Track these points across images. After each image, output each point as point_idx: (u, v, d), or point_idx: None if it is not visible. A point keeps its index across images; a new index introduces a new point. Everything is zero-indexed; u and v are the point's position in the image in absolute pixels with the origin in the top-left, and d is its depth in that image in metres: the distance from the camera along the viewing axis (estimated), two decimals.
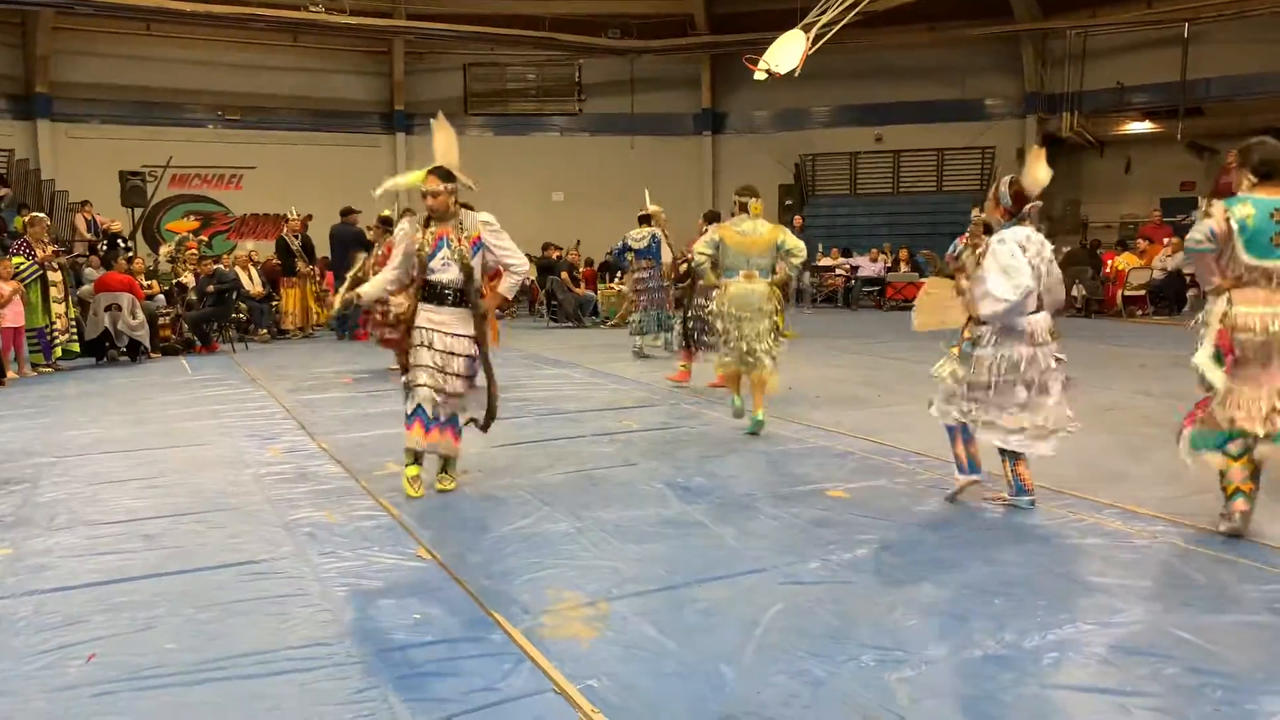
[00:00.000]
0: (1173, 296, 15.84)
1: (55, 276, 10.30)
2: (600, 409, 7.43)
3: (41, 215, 10.94)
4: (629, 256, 10.34)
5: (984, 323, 4.45)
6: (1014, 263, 4.30)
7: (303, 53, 19.45)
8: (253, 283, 13.29)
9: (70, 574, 3.77)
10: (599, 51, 20.31)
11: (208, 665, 2.93)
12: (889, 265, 17.85)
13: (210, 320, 12.39)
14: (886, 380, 8.42)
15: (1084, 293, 16.17)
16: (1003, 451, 4.52)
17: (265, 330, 13.49)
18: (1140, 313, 15.40)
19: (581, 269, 17.03)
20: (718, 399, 7.50)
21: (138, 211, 16.65)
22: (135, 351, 10.99)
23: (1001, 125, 19.74)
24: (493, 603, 3.38)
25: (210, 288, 12.39)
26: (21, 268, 9.78)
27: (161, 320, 11.87)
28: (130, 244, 14.76)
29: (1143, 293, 15.56)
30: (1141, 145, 19.94)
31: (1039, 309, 4.45)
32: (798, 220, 17.22)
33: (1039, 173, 4.56)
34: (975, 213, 12.23)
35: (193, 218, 18.72)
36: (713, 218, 8.22)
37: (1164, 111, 18.29)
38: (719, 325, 6.30)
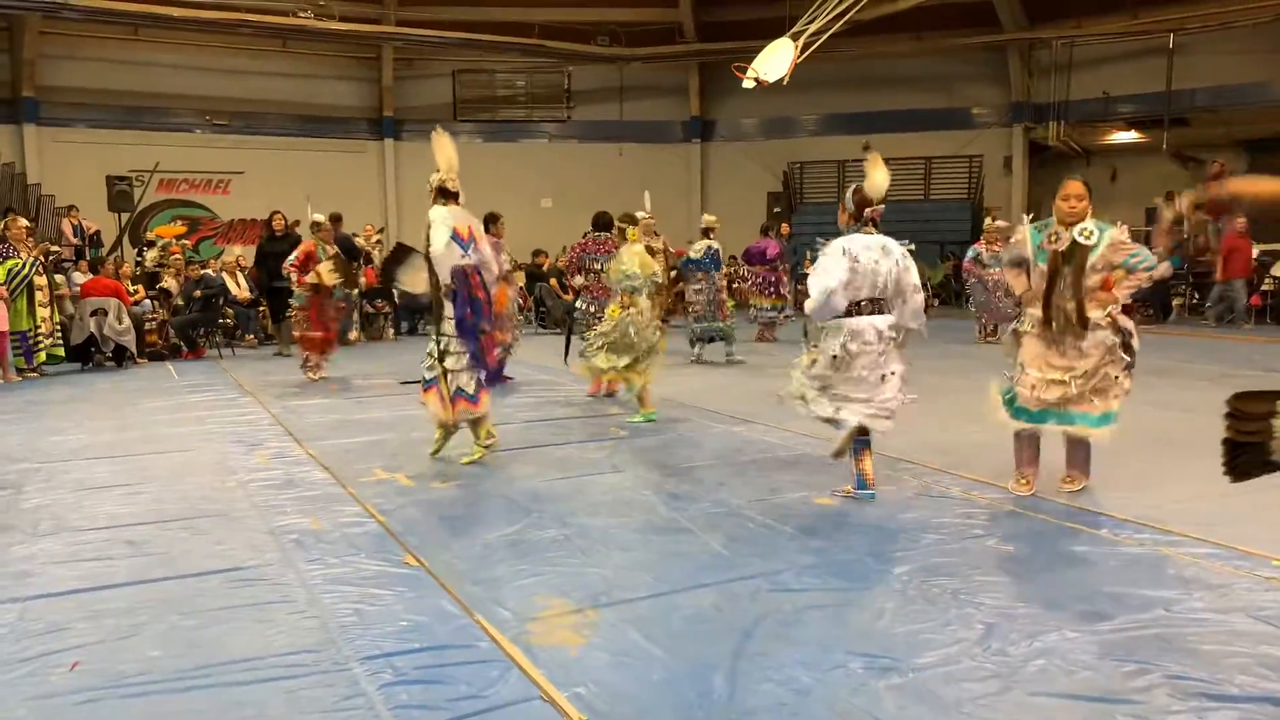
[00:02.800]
0: (1158, 305, 15.96)
1: (41, 280, 10.24)
2: (588, 416, 7.42)
3: (19, 218, 10.83)
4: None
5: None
6: (828, 264, 4.65)
7: (292, 58, 19.42)
8: (240, 288, 13.23)
9: (54, 581, 3.74)
10: (588, 59, 20.35)
11: (192, 673, 2.91)
12: None
13: (197, 326, 12.34)
14: None
15: None
16: (856, 449, 4.83)
17: (253, 336, 13.44)
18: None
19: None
20: (705, 408, 7.51)
21: (124, 216, 16.58)
22: (121, 357, 10.94)
23: (988, 134, 19.88)
24: (480, 610, 3.37)
25: (197, 293, 12.35)
26: (15, 269, 9.72)
27: (148, 325, 11.82)
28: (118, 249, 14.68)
29: (1129, 301, 15.65)
30: (1127, 155, 20.11)
31: (879, 311, 4.70)
32: (785, 228, 17.27)
33: (878, 178, 4.74)
34: (988, 221, 12.27)
35: (180, 222, 18.64)
36: (606, 224, 8.65)
37: (1149, 121, 18.46)
38: (631, 337, 6.81)
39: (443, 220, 5.52)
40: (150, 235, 14.78)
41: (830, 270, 4.61)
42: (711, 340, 10.93)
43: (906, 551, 4.07)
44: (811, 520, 4.50)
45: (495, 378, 5.71)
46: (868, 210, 4.74)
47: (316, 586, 3.64)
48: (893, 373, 4.73)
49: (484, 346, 5.50)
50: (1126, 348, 4.69)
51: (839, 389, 4.74)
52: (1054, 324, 4.66)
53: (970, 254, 12.29)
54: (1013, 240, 4.96)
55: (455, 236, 5.48)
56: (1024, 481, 4.86)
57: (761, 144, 21.25)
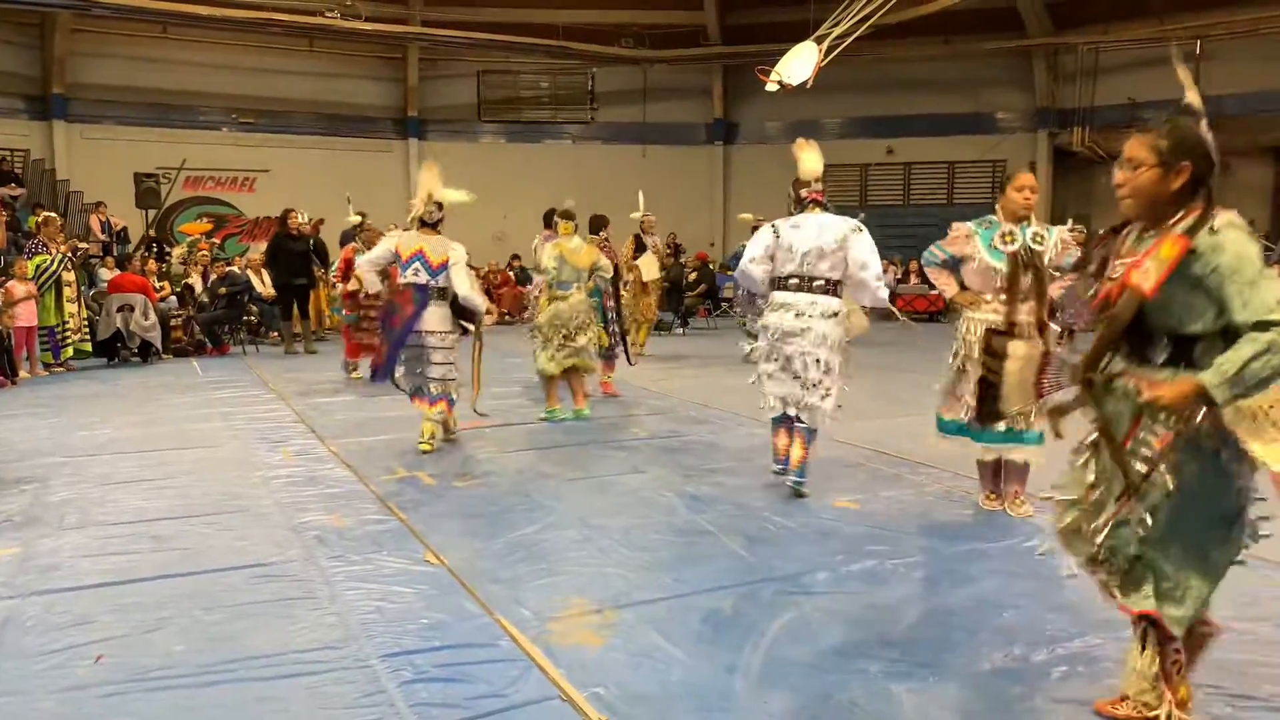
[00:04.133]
0: None
1: (69, 276, 10.37)
2: (609, 416, 7.43)
3: (54, 215, 11.02)
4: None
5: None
6: (754, 239, 5.06)
7: (318, 58, 19.54)
8: (264, 285, 13.33)
9: (79, 574, 3.78)
10: (612, 60, 20.36)
11: (215, 667, 2.94)
12: (899, 277, 17.82)
13: (222, 322, 12.45)
14: (895, 391, 8.40)
15: None
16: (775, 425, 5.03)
17: (277, 333, 13.53)
18: None
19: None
20: (727, 410, 7.50)
21: (151, 213, 16.75)
22: (146, 353, 11.05)
23: (1013, 139, 19.73)
24: (500, 609, 3.39)
25: (222, 290, 12.45)
26: (43, 265, 9.86)
27: (173, 322, 11.94)
28: (153, 246, 14.80)
29: None
30: None
31: (808, 289, 4.78)
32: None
33: (808, 161, 5.16)
34: (1069, 224, 12.16)
35: (206, 220, 18.81)
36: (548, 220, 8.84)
37: None
38: (556, 332, 6.98)
39: (385, 242, 6.26)
40: (175, 250, 14.80)
41: (753, 243, 5.03)
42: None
43: (927, 555, 4.05)
44: (831, 523, 4.49)
45: (381, 376, 6.15)
46: (804, 192, 5.06)
47: (338, 583, 3.67)
48: (819, 360, 4.73)
49: (379, 350, 6.23)
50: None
51: (768, 369, 4.90)
52: (1016, 331, 4.32)
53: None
54: (950, 237, 4.62)
55: (395, 256, 6.04)
56: (992, 496, 4.72)
57: (784, 147, 20.75)
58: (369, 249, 8.52)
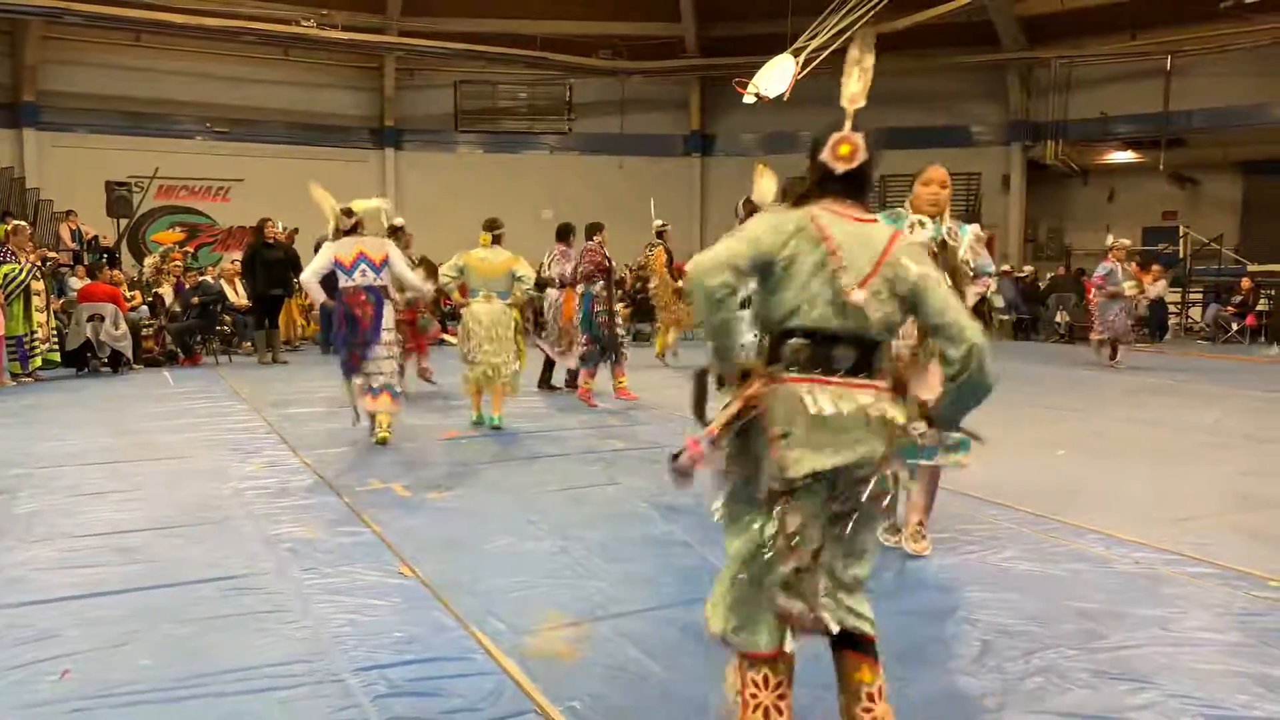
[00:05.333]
0: (1155, 324, 16.01)
1: (38, 285, 10.23)
2: (586, 428, 7.41)
3: (23, 224, 10.87)
4: None
5: None
6: None
7: (293, 67, 19.44)
8: (238, 295, 13.21)
9: (46, 587, 3.71)
10: (589, 72, 20.40)
11: (185, 682, 2.89)
12: None
13: (194, 332, 12.32)
14: None
15: (1068, 319, 16.33)
16: None
17: (250, 343, 13.41)
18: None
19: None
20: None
21: (123, 222, 16.57)
22: (117, 363, 10.91)
23: (987, 152, 19.94)
24: (475, 622, 3.36)
25: (195, 299, 12.33)
26: (12, 274, 9.72)
27: (144, 331, 11.80)
28: (103, 255, 14.66)
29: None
30: (1124, 175, 20.18)
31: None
32: None
33: (764, 186, 5.44)
34: (1110, 239, 12.26)
35: (179, 229, 18.63)
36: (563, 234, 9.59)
37: (1146, 142, 18.54)
38: (467, 343, 7.18)
39: (323, 253, 6.57)
40: (147, 259, 14.67)
41: None
42: None
43: (900, 565, 4.06)
44: None
45: (349, 373, 6.51)
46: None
47: (311, 596, 3.62)
48: None
49: (352, 356, 6.43)
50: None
51: None
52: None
53: (1103, 270, 11.91)
54: None
55: (338, 265, 6.45)
56: (887, 529, 4.15)
57: (761, 159, 21.28)
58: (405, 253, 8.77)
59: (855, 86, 2.41)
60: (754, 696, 2.34)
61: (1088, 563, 4.09)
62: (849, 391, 2.22)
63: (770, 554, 2.27)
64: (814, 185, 2.36)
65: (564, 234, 9.58)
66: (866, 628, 2.36)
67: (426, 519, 4.76)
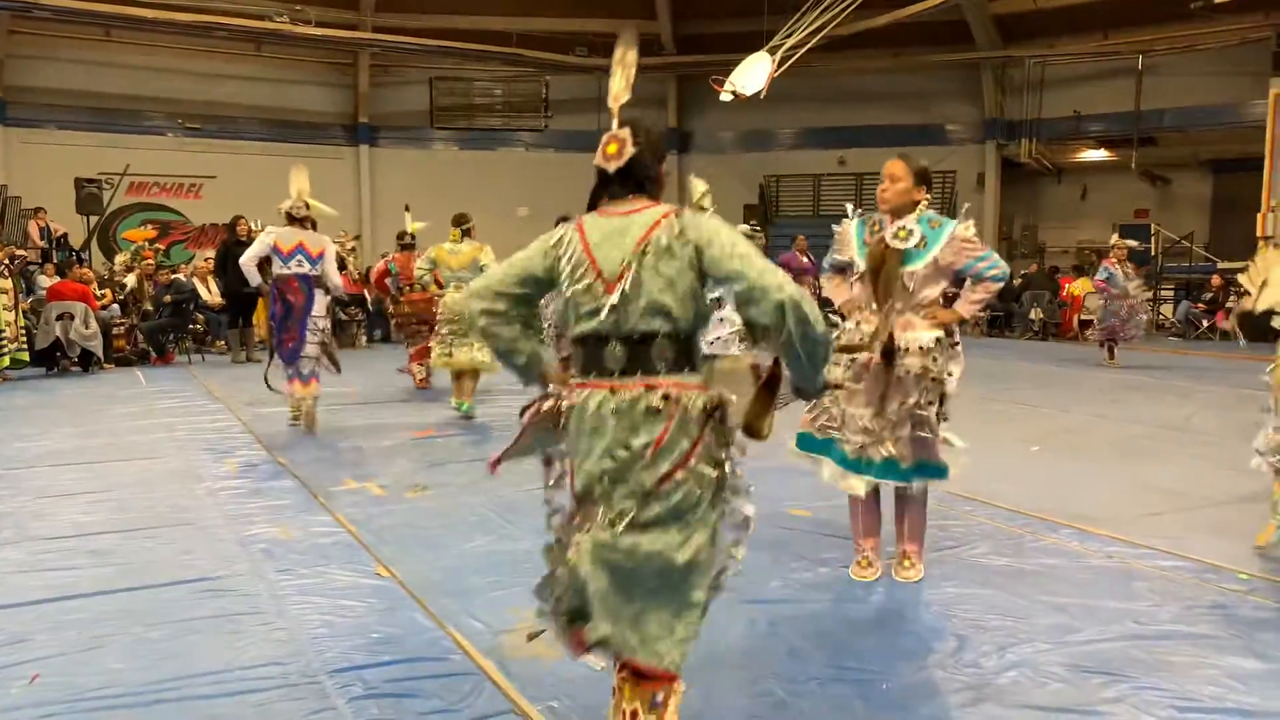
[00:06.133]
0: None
1: (6, 284, 10.07)
2: None
3: None
4: None
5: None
6: None
7: (266, 63, 19.26)
8: (211, 293, 13.07)
9: (14, 591, 3.65)
10: (565, 69, 20.35)
11: (158, 686, 2.86)
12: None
13: (166, 331, 12.18)
14: None
15: (1042, 316, 16.47)
16: None
17: (224, 342, 13.28)
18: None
19: None
20: None
21: (93, 219, 16.35)
22: (87, 362, 10.77)
23: (962, 150, 20.08)
24: (452, 622, 3.34)
25: (167, 298, 12.19)
26: None
27: (116, 330, 11.65)
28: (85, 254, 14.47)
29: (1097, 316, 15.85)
30: (1097, 173, 20.39)
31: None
32: (802, 241, 17.38)
33: (696, 188, 5.80)
34: (1114, 237, 12.30)
35: (150, 226, 18.40)
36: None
37: (1118, 140, 18.72)
38: (443, 326, 7.61)
39: (263, 238, 7.13)
40: (119, 256, 14.52)
41: None
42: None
43: (881, 563, 4.08)
44: (785, 531, 4.51)
45: (290, 360, 6.96)
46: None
47: (286, 597, 3.59)
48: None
49: (282, 340, 6.91)
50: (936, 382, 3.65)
51: None
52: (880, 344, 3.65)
53: (1103, 273, 11.85)
54: (836, 237, 4.08)
55: (276, 251, 6.94)
56: (863, 561, 3.87)
57: (738, 157, 21.33)
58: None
59: (618, 84, 2.39)
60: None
61: (1062, 558, 4.13)
62: (625, 393, 2.16)
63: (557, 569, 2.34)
64: (594, 190, 2.34)
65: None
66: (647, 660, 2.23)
67: (402, 518, 4.73)
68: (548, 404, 2.33)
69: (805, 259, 12.88)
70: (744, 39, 15.54)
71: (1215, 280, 16.14)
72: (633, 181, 2.29)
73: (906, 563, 3.80)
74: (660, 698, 2.25)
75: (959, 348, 3.75)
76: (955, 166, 19.78)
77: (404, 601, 3.57)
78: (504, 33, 19.32)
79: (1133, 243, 12.37)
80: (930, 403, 3.62)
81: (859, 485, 3.72)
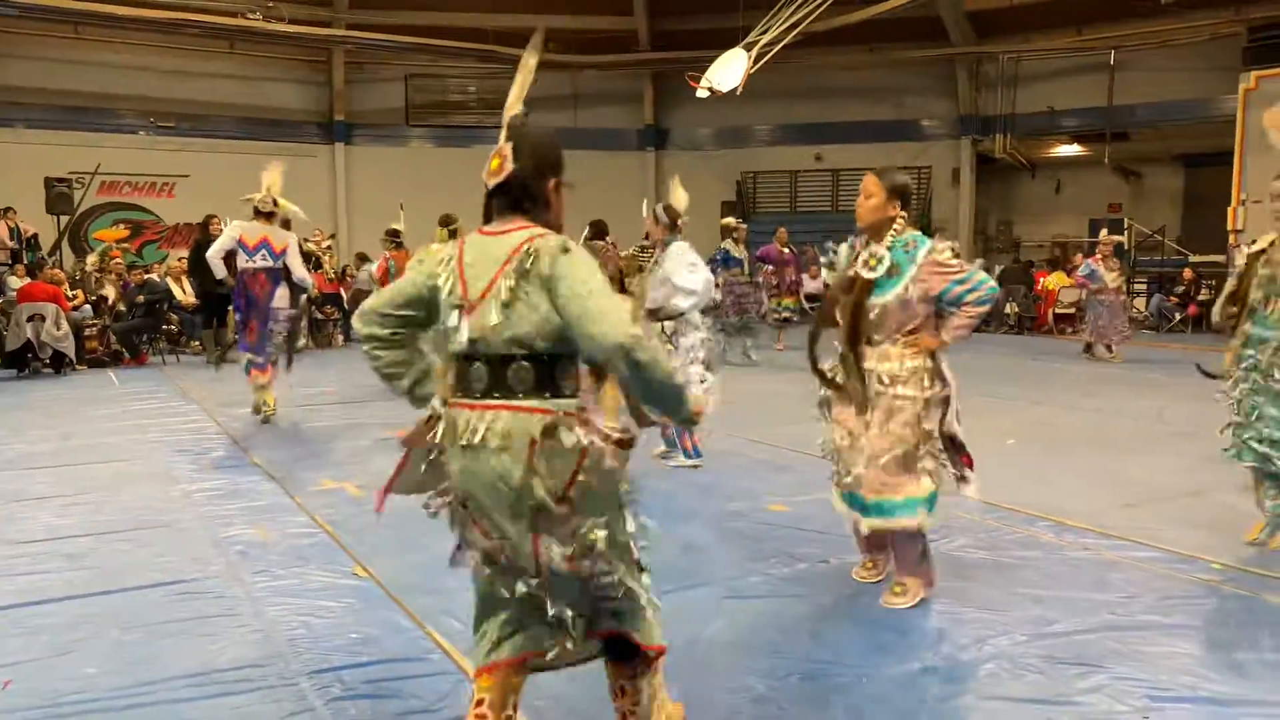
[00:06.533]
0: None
1: None
2: None
3: None
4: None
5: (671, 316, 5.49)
6: (698, 262, 5.52)
7: (239, 60, 19.07)
8: (185, 293, 12.94)
9: None
10: (541, 65, 20.02)
11: (133, 690, 2.83)
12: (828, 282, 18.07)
13: (140, 332, 12.05)
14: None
15: (1017, 310, 16.60)
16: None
17: (198, 342, 13.14)
18: (1070, 330, 15.82)
19: None
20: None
21: (64, 219, 16.14)
22: (59, 364, 10.64)
23: (938, 146, 20.20)
24: (431, 622, 3.32)
25: (140, 298, 12.05)
26: None
27: (88, 331, 11.51)
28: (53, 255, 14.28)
29: (1073, 311, 16.01)
30: (1071, 168, 20.57)
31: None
32: (783, 233, 17.42)
33: (681, 195, 5.76)
34: (1104, 233, 12.31)
35: (122, 226, 18.17)
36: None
37: (1092, 135, 18.90)
38: None
39: (229, 231, 7.38)
40: (89, 257, 14.35)
41: (703, 270, 5.54)
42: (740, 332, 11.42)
43: (858, 557, 4.10)
44: (763, 527, 4.52)
45: (257, 352, 7.24)
46: (682, 221, 5.65)
47: (263, 599, 3.56)
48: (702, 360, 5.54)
49: (249, 330, 7.20)
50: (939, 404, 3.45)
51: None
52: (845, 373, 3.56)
53: (1084, 270, 11.90)
54: (832, 260, 3.80)
55: (241, 245, 7.19)
56: (867, 563, 3.82)
57: (715, 154, 21.35)
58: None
59: (513, 91, 2.38)
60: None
61: (1038, 550, 4.16)
62: (488, 413, 2.14)
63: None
64: (485, 205, 2.31)
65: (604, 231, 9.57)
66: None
67: (380, 518, 4.68)
68: (424, 425, 2.31)
69: (786, 251, 12.84)
70: (720, 35, 15.55)
71: (1187, 274, 16.32)
72: (512, 200, 2.24)
73: (898, 589, 3.54)
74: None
75: (948, 380, 3.46)
76: (931, 162, 19.90)
77: (382, 602, 3.55)
78: (479, 29, 19.23)
79: (1118, 238, 12.44)
80: (906, 437, 3.39)
81: (844, 511, 3.65)
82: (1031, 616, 3.39)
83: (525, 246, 2.13)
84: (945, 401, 3.43)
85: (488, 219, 2.28)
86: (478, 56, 19.70)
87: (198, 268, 11.96)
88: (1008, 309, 16.67)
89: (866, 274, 3.41)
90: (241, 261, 7.22)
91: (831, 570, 3.93)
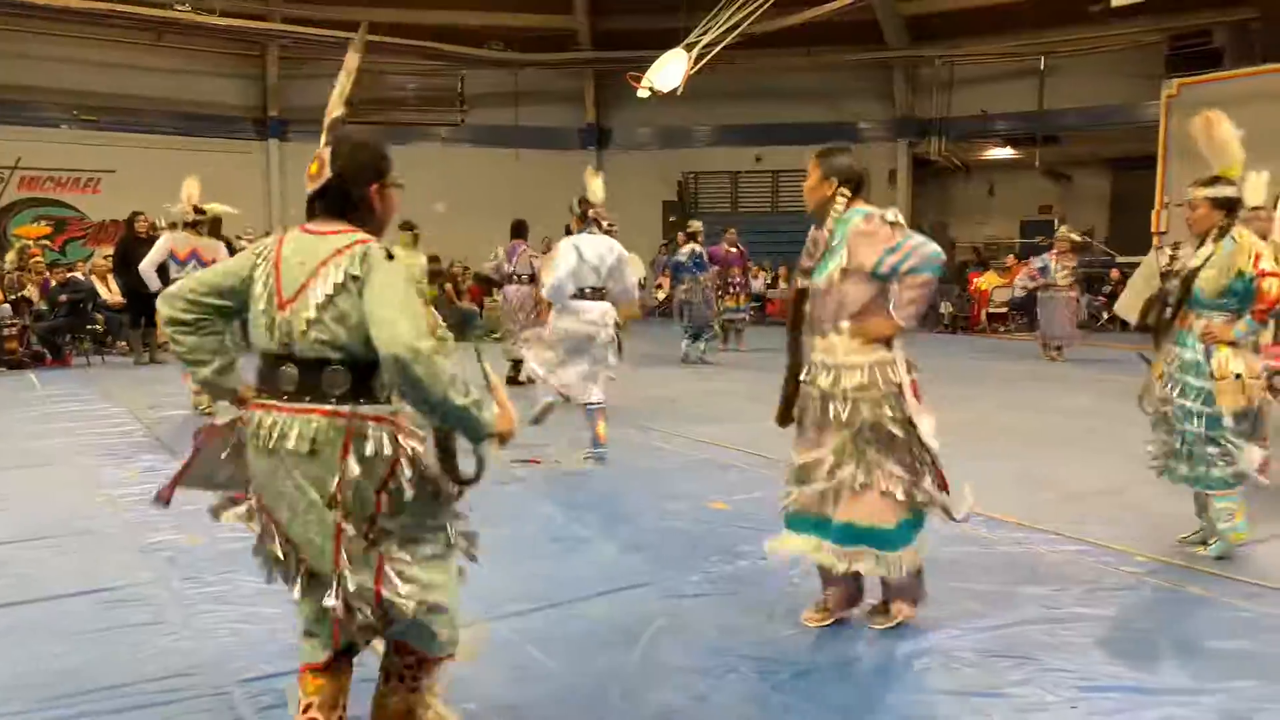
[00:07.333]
0: (1032, 313, 16.72)
1: None
2: None
3: None
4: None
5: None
6: (561, 256, 5.74)
7: (169, 53, 18.54)
8: (111, 292, 12.53)
9: None
10: (481, 63, 20.11)
11: (57, 702, 2.73)
12: (769, 282, 18.24)
13: (62, 332, 11.65)
14: (765, 393, 8.58)
15: (951, 310, 16.93)
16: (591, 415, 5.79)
17: (125, 342, 12.75)
18: (1002, 329, 16.19)
19: (468, 283, 16.80)
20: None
21: None
22: None
23: (875, 148, 20.46)
24: None
25: (63, 297, 11.65)
26: None
27: (7, 331, 11.10)
28: None
29: (1005, 310, 16.38)
30: (1004, 170, 21.02)
31: (600, 298, 5.75)
32: (681, 237, 17.48)
33: (595, 186, 6.04)
34: (1063, 230, 12.40)
35: (44, 223, 17.57)
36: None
37: (1024, 139, 19.35)
38: None
39: (160, 244, 7.52)
40: (7, 255, 13.84)
41: (563, 261, 5.71)
42: (698, 338, 11.60)
43: (797, 555, 4.13)
44: (705, 525, 4.53)
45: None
46: (591, 212, 5.86)
47: (192, 606, 3.47)
48: (610, 357, 5.77)
49: None
50: (903, 422, 3.10)
51: (563, 363, 5.73)
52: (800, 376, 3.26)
53: (1038, 263, 11.95)
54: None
55: (173, 256, 7.35)
56: (815, 606, 3.36)
57: (657, 153, 21.38)
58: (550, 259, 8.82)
59: (335, 93, 2.37)
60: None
61: (972, 545, 4.23)
62: (298, 417, 2.12)
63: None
64: (308, 204, 2.29)
65: (523, 230, 9.66)
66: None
67: None
68: (223, 422, 2.29)
69: (733, 250, 12.89)
70: (661, 36, 15.56)
71: (1114, 274, 16.80)
72: (332, 202, 2.22)
73: (877, 609, 3.30)
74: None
75: (909, 378, 3.13)
76: (868, 164, 19.96)
77: None
78: (418, 26, 18.99)
79: (1076, 237, 12.57)
80: (866, 449, 3.09)
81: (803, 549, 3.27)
82: (965, 611, 3.45)
83: (349, 250, 2.11)
84: (900, 394, 3.08)
85: (310, 217, 2.25)
86: (417, 53, 19.46)
87: (124, 266, 11.64)
88: (942, 309, 17.00)
89: (805, 261, 3.22)
90: (174, 272, 7.21)
91: (771, 567, 3.94)
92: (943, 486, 3.23)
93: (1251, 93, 13.06)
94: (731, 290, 12.79)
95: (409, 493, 2.15)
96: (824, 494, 3.16)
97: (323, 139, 2.25)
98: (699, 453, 6.23)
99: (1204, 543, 4.12)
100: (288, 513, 2.16)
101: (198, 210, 7.34)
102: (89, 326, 12.04)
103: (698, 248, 11.88)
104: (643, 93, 14.77)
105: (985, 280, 16.81)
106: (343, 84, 2.37)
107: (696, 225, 12.39)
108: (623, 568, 3.94)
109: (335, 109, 2.33)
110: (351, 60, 2.39)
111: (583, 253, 5.71)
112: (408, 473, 2.14)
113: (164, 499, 2.43)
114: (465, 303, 15.73)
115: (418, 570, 2.20)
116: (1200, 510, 4.14)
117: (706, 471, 5.70)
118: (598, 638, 3.23)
